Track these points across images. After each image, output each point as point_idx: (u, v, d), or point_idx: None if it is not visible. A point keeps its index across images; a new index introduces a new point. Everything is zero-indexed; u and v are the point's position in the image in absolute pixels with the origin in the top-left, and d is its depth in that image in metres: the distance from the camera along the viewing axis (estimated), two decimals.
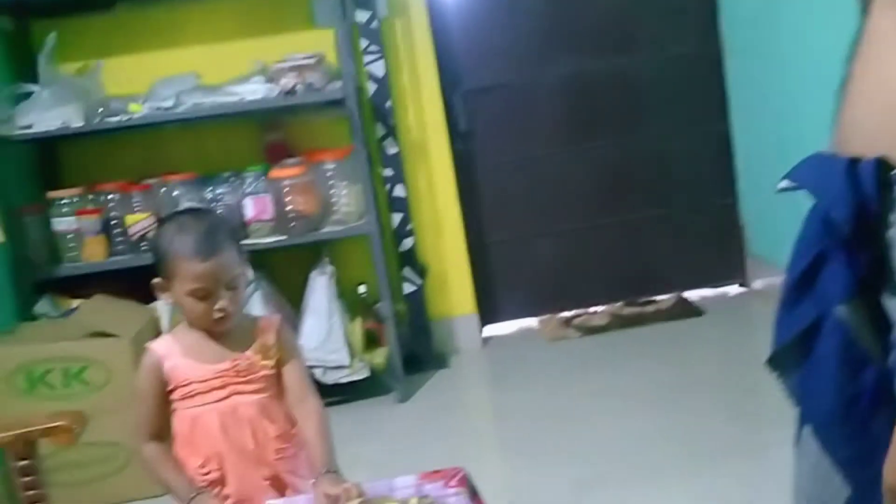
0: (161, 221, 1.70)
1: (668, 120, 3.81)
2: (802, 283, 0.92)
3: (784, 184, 0.94)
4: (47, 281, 3.11)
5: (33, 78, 3.17)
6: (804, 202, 0.93)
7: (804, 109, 3.03)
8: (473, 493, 1.44)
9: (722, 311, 3.68)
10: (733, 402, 2.82)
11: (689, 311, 3.72)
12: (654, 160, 3.82)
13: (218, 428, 1.58)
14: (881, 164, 0.82)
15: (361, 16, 3.43)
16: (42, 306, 3.05)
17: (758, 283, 3.78)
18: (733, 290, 3.90)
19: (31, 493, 1.62)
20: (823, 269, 0.90)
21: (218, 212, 2.97)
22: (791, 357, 0.95)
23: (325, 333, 3.15)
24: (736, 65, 3.67)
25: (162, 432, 1.61)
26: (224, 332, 1.61)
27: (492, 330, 3.84)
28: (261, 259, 3.24)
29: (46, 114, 3.08)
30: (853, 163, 0.84)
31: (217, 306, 1.55)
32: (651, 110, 3.80)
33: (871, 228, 0.84)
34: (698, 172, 3.83)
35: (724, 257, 3.89)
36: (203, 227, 1.58)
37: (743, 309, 3.71)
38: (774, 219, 3.06)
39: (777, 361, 0.98)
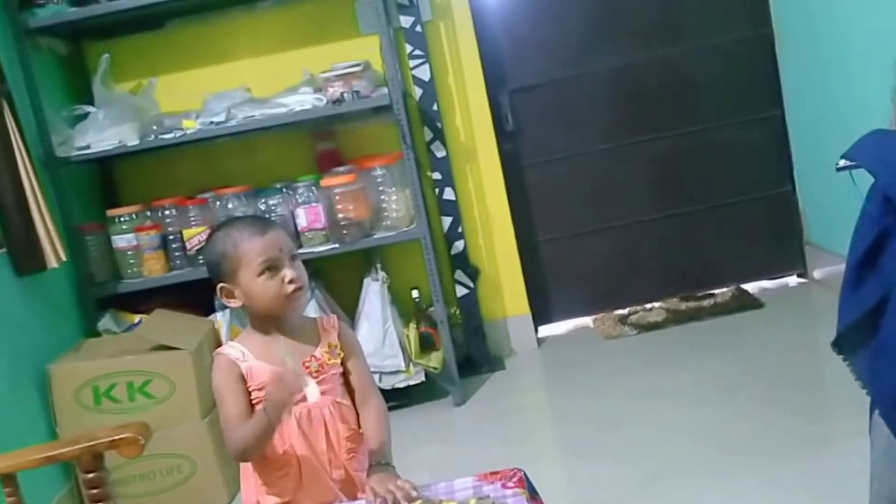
0: (208, 237, 1.74)
1: (719, 108, 3.75)
2: (865, 263, 0.91)
3: (842, 162, 0.93)
4: (109, 297, 3.19)
5: (89, 99, 3.26)
6: (863, 187, 0.91)
7: (861, 91, 2.95)
8: (532, 494, 1.43)
9: (782, 303, 3.61)
10: (796, 394, 2.76)
11: (748, 303, 3.65)
12: (706, 150, 3.76)
13: (294, 429, 1.59)
14: None
15: (405, 21, 3.45)
16: (105, 322, 3.13)
17: (818, 273, 3.70)
18: (793, 280, 3.82)
19: None
20: (886, 247, 0.88)
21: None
22: (858, 338, 0.93)
23: (380, 339, 3.17)
24: (789, 48, 3.59)
25: None
26: (289, 332, 1.63)
27: (546, 330, 3.82)
28: (314, 267, 3.28)
29: (103, 134, 3.15)
30: None
31: (288, 277, 1.57)
32: (702, 99, 3.74)
33: None
34: (753, 161, 3.76)
35: (783, 247, 3.81)
36: (249, 216, 1.62)
37: (803, 299, 3.64)
38: (833, 206, 2.99)
39: (843, 344, 0.96)
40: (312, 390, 1.57)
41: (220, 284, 1.62)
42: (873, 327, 0.90)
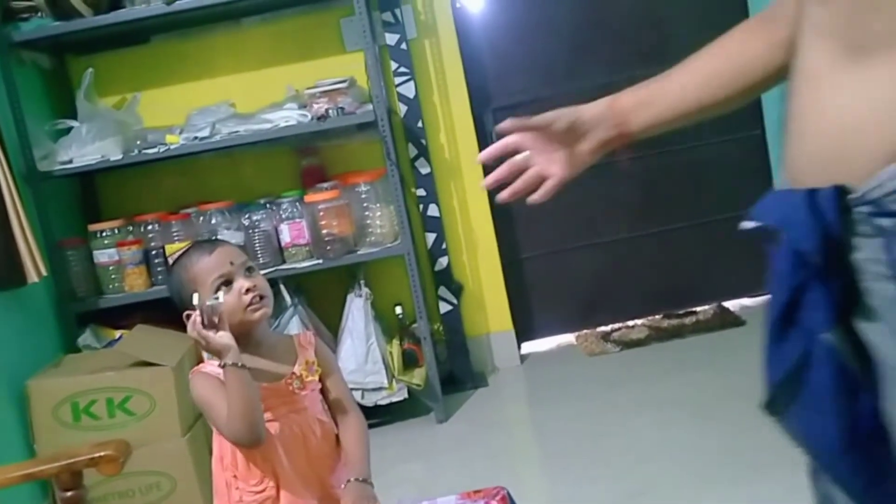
0: (174, 260, 1.75)
1: (702, 127, 3.75)
2: (785, 318, 0.93)
3: (748, 223, 0.96)
4: (90, 313, 3.17)
5: (72, 114, 3.25)
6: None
7: None
8: None
9: (763, 321, 3.62)
10: None
11: (729, 321, 3.67)
12: (688, 168, 3.79)
13: (275, 447, 1.58)
14: (839, 191, 0.85)
15: (390, 38, 3.47)
16: (85, 338, 3.10)
17: None
18: None
19: None
20: (803, 300, 0.90)
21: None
22: (787, 396, 0.93)
23: (363, 355, 3.16)
24: None
25: None
26: (266, 350, 1.62)
27: (529, 347, 3.82)
28: (298, 283, 3.27)
29: (86, 148, 3.14)
30: (812, 193, 0.86)
31: (244, 287, 1.57)
32: None
33: (839, 254, 0.86)
34: (735, 180, 3.79)
35: (764, 266, 3.82)
36: (199, 241, 1.63)
37: None
38: None
39: (774, 403, 0.96)
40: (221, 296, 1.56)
41: (186, 312, 1.61)
42: (800, 382, 0.91)
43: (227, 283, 1.59)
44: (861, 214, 0.84)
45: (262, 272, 1.83)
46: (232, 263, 1.59)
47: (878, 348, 0.86)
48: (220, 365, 1.52)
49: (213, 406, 1.57)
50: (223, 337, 1.51)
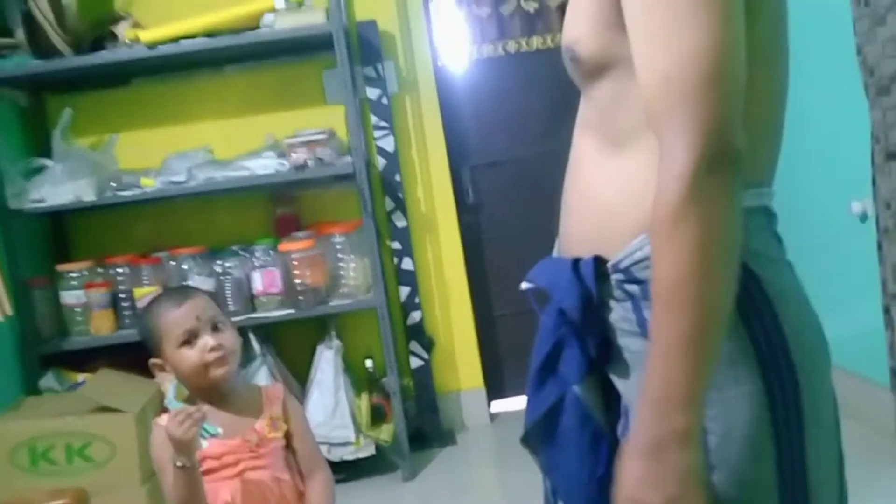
0: (146, 305, 1.76)
1: None
2: (545, 368, 1.06)
3: (524, 284, 1.12)
4: (54, 354, 3.10)
5: (47, 152, 3.22)
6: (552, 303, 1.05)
7: (825, 164, 3.03)
8: None
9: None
10: None
11: None
12: None
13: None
14: (597, 261, 0.98)
15: (372, 93, 3.49)
16: (47, 380, 3.03)
17: None
18: None
19: None
20: (562, 354, 1.04)
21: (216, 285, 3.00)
22: (541, 434, 1.08)
23: (331, 409, 3.12)
24: None
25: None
26: (230, 401, 1.60)
27: (500, 405, 3.79)
28: (268, 332, 3.23)
29: (59, 188, 3.11)
30: (576, 262, 1.00)
31: (209, 345, 1.56)
32: None
33: (595, 315, 0.99)
34: None
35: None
36: (174, 287, 1.64)
37: None
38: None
39: (529, 439, 1.11)
40: (212, 429, 1.54)
41: (150, 361, 1.62)
42: (553, 424, 1.05)
43: (193, 337, 1.58)
44: (615, 281, 0.97)
45: (233, 319, 1.81)
46: (199, 318, 1.59)
47: (626, 397, 0.99)
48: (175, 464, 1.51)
49: (163, 471, 1.56)
50: (187, 438, 1.50)
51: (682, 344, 0.84)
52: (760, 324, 0.92)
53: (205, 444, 1.55)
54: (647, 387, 0.88)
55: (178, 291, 1.74)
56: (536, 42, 3.76)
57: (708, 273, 0.84)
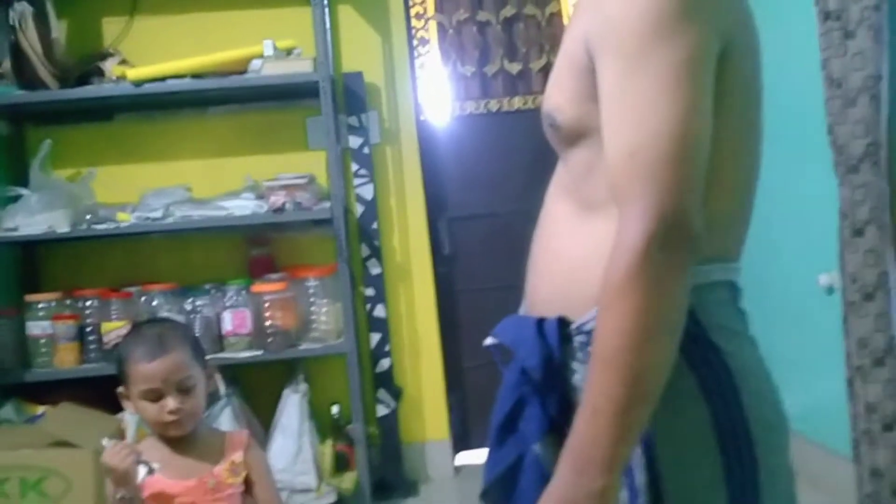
0: (128, 332, 1.75)
1: None
2: (506, 426, 1.08)
3: (489, 340, 1.14)
4: (14, 385, 3.05)
5: (24, 182, 3.21)
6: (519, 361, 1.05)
7: (797, 235, 3.09)
8: None
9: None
10: None
11: None
12: None
13: None
14: (561, 322, 1.00)
15: (354, 141, 3.53)
16: (6, 411, 2.98)
17: None
18: None
19: None
20: (523, 412, 1.05)
21: (185, 322, 2.97)
22: (500, 491, 1.09)
23: (293, 454, 3.08)
24: None
25: None
26: (191, 444, 1.59)
27: (465, 458, 3.76)
28: (235, 373, 3.21)
29: (33, 218, 3.09)
30: (540, 321, 1.02)
31: (168, 408, 1.56)
32: None
33: (557, 375, 1.00)
34: None
35: None
36: (156, 331, 1.64)
37: None
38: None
39: (488, 496, 1.12)
40: (141, 471, 1.54)
41: (118, 389, 1.64)
42: (513, 482, 1.06)
43: (157, 397, 1.60)
44: (578, 343, 0.98)
45: None
46: (165, 381, 1.59)
47: None
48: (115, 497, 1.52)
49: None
50: (123, 467, 1.51)
51: (612, 409, 0.85)
52: (721, 397, 0.93)
53: (142, 474, 1.54)
54: (572, 443, 0.89)
55: (156, 341, 1.63)
56: (518, 102, 3.83)
57: (645, 346, 0.85)
